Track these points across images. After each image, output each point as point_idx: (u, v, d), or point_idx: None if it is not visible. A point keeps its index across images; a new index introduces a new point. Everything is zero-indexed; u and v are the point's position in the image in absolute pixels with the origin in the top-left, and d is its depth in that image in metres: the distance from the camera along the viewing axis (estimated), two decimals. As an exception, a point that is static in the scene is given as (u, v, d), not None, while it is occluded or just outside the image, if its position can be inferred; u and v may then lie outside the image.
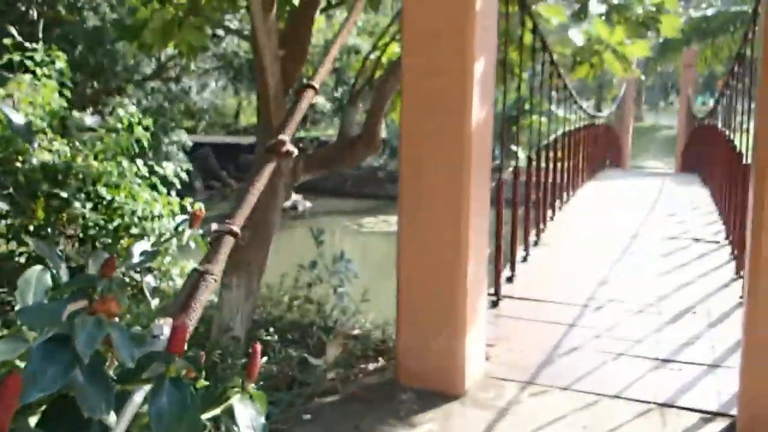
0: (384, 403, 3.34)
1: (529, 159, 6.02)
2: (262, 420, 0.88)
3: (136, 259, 1.05)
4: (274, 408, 3.17)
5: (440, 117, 3.44)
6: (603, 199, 9.59)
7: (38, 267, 0.89)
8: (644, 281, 5.24)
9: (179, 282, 4.86)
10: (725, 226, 6.83)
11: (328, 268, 4.56)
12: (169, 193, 5.18)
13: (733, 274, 5.29)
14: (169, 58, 15.73)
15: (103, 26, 12.97)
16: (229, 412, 0.87)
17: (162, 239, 1.87)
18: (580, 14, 6.14)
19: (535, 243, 6.40)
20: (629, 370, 3.66)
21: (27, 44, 5.25)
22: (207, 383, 0.86)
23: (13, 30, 6.09)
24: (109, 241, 4.75)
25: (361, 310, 4.66)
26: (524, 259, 5.83)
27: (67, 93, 5.30)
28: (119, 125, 5.10)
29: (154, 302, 1.38)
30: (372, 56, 5.20)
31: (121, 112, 5.13)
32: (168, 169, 5.26)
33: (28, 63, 5.06)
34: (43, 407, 0.75)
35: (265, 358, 3.65)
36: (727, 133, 7.72)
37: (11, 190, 4.38)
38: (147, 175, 5.11)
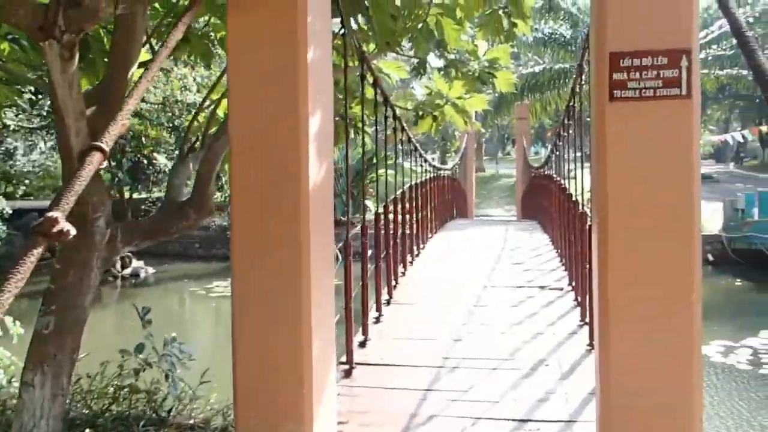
0: None
1: (377, 214, 5.84)
2: None
3: None
4: None
5: (273, 174, 3.11)
6: (452, 250, 9.68)
7: None
8: (497, 335, 5.16)
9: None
10: (567, 272, 7.02)
11: (158, 352, 4.01)
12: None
13: (578, 321, 5.36)
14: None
15: None
16: None
17: None
18: (419, 69, 6.15)
19: (388, 302, 6.19)
20: (489, 436, 3.46)
21: None
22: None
23: None
24: None
25: (200, 394, 4.14)
26: (377, 320, 5.58)
27: None
28: None
29: None
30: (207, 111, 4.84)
31: None
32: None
33: None
34: None
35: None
36: (561, 181, 8.07)
37: None
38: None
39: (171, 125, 17.32)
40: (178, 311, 15.01)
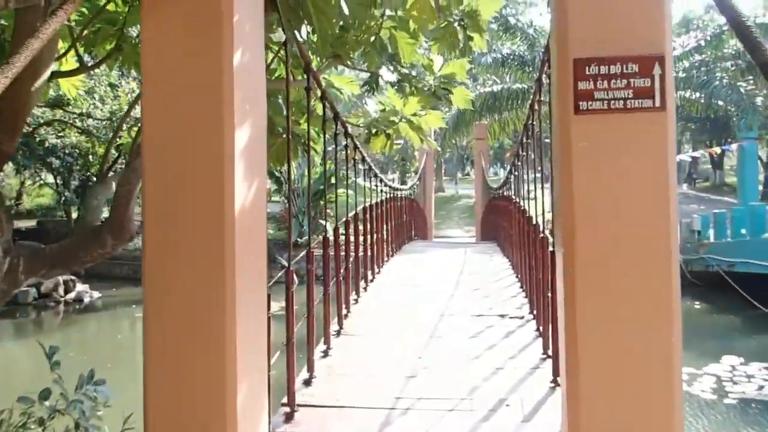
0: None
1: (325, 238, 5.42)
2: None
3: None
4: None
5: (192, 197, 2.69)
6: (408, 275, 9.29)
7: None
8: (454, 370, 4.77)
9: None
10: (528, 299, 6.69)
11: (67, 398, 3.50)
12: None
13: (541, 353, 5.00)
14: None
15: None
16: None
17: None
18: (371, 84, 5.80)
19: (337, 333, 5.75)
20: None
21: None
22: None
23: None
24: None
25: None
26: (325, 354, 5.14)
27: None
28: None
29: None
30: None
31: None
32: None
33: None
34: None
35: None
36: (520, 203, 7.78)
37: None
38: None
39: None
40: (120, 340, 14.27)
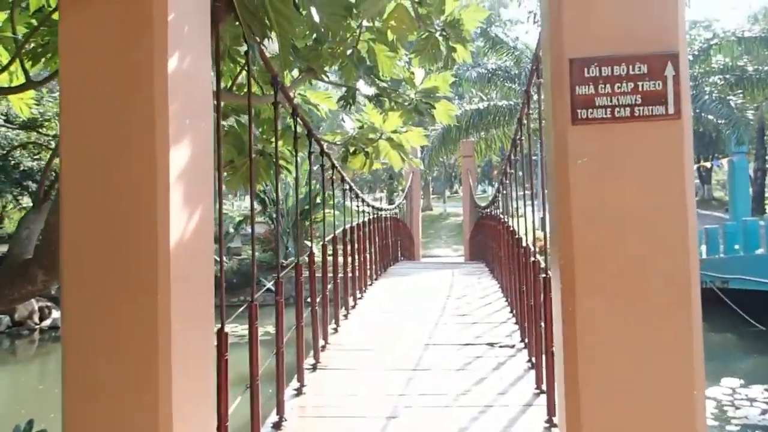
0: None
1: (297, 265, 4.97)
2: None
3: None
4: None
5: (118, 230, 2.24)
6: (392, 300, 8.82)
7: None
8: (439, 408, 4.32)
9: None
10: (518, 325, 6.26)
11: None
12: None
13: (534, 388, 4.56)
14: None
15: None
16: None
17: None
18: (348, 99, 5.39)
19: (314, 367, 5.29)
20: None
21: None
22: None
23: None
24: None
25: None
26: (298, 393, 4.69)
27: None
28: None
29: None
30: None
31: None
32: None
33: None
34: None
35: None
36: (509, 223, 7.38)
37: None
38: None
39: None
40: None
